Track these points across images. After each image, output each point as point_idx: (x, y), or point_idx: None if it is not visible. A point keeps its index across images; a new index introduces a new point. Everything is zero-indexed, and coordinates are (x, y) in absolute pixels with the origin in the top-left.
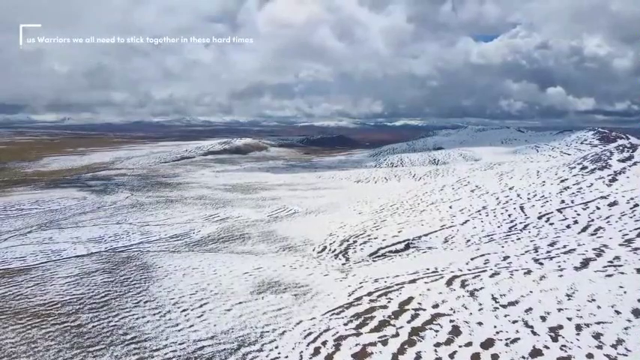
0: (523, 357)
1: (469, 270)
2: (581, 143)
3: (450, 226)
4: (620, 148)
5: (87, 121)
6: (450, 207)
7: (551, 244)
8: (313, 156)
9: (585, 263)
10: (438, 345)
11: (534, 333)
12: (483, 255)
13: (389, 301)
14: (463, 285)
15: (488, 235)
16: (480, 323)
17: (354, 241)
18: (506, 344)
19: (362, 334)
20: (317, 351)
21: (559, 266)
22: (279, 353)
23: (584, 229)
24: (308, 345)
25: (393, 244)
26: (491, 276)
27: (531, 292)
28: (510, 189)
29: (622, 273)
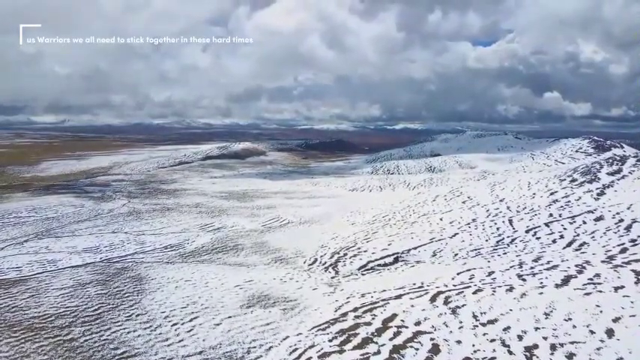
0: None
1: (454, 286)
2: (576, 152)
3: (440, 239)
4: (610, 160)
5: (87, 123)
6: (441, 219)
7: (536, 260)
8: (311, 161)
9: (566, 280)
10: None
11: (510, 352)
12: (469, 270)
13: (373, 318)
14: (446, 302)
15: (476, 249)
16: (458, 342)
17: (345, 254)
18: None
19: (345, 351)
20: None
21: (541, 283)
22: None
23: (569, 244)
24: None
25: (382, 258)
26: (475, 292)
27: (511, 310)
28: (501, 201)
29: (600, 291)
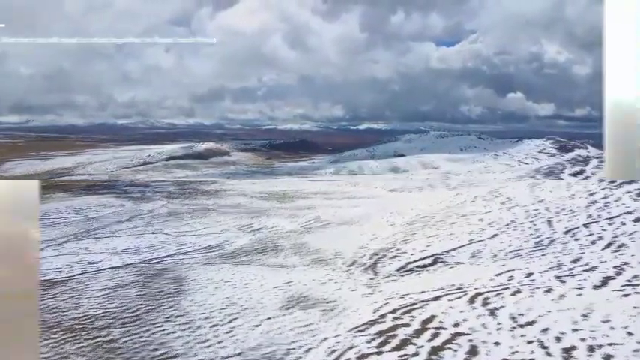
0: None
1: (492, 287)
2: (539, 152)
3: (479, 241)
4: (573, 161)
5: (50, 123)
6: (480, 220)
7: (575, 261)
8: (275, 161)
9: (605, 282)
10: None
11: (548, 354)
12: (508, 271)
13: (412, 319)
14: (485, 303)
15: (515, 250)
16: (497, 343)
17: (384, 255)
18: None
19: (383, 352)
20: None
21: (579, 284)
22: None
23: (607, 246)
24: None
25: (422, 259)
26: (513, 294)
27: (549, 311)
28: (540, 202)
29: (638, 293)
